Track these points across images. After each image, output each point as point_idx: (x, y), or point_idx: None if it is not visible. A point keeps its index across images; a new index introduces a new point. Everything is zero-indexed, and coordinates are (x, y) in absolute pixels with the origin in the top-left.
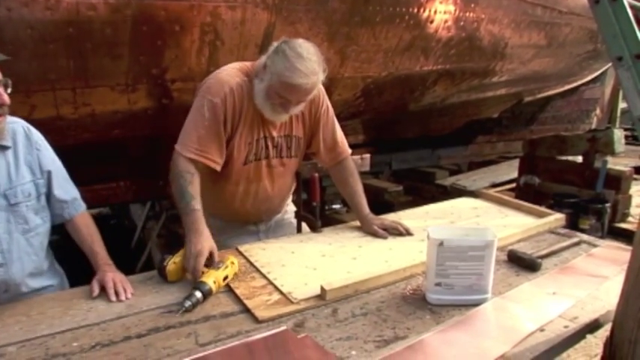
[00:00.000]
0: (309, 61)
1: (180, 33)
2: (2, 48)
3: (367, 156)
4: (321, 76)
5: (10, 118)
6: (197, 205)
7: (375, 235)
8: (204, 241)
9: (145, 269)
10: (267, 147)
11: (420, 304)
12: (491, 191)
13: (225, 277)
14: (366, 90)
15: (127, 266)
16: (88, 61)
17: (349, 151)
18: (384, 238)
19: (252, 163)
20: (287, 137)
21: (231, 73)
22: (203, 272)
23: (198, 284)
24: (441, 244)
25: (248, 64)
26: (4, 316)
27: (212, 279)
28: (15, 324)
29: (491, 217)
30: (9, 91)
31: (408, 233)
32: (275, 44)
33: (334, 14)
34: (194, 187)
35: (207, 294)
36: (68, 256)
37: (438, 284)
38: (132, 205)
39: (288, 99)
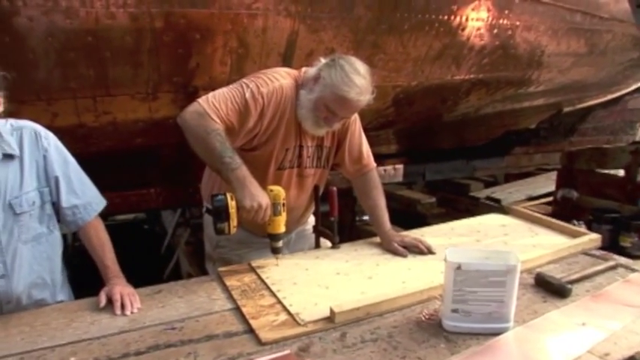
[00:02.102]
0: (365, 79)
1: (202, 41)
2: (24, 56)
3: (400, 166)
4: (371, 96)
5: (17, 123)
6: (239, 159)
7: (394, 252)
8: (262, 191)
9: (173, 276)
10: (300, 155)
11: (435, 330)
12: (528, 205)
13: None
14: (396, 99)
15: (155, 272)
16: (108, 69)
17: (374, 164)
18: (404, 256)
19: (286, 170)
20: (318, 147)
21: (283, 74)
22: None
23: (276, 235)
24: (459, 267)
25: (295, 71)
26: (9, 326)
27: (283, 225)
28: (18, 334)
29: (520, 235)
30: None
31: (430, 252)
32: (323, 59)
33: (360, 22)
34: (230, 144)
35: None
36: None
37: (454, 310)
38: (164, 212)
39: (335, 113)
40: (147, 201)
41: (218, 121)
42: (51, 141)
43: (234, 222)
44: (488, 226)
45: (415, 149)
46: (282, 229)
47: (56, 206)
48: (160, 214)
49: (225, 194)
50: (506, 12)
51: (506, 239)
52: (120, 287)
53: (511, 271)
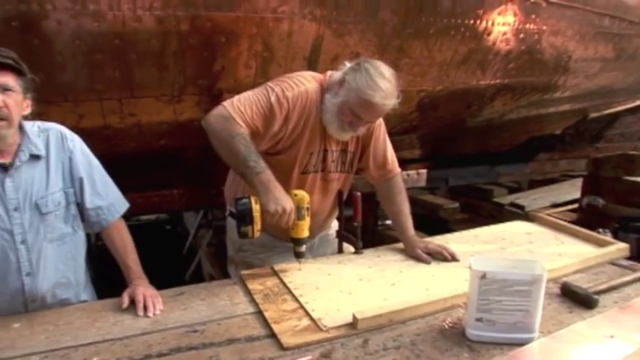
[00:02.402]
0: (390, 84)
1: (227, 44)
2: (52, 58)
3: (423, 171)
4: (396, 100)
5: (44, 125)
6: (264, 163)
7: (418, 259)
8: (286, 195)
9: (194, 277)
10: (324, 160)
11: (458, 339)
12: (552, 212)
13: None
14: (421, 104)
15: (177, 272)
16: (134, 71)
17: (399, 169)
18: (427, 263)
19: (310, 175)
20: (343, 152)
21: (308, 78)
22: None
23: (300, 240)
24: (484, 276)
25: (320, 75)
26: (34, 324)
27: (307, 229)
28: (42, 333)
29: (546, 243)
30: (10, 95)
31: (454, 259)
32: (348, 62)
33: (385, 26)
34: (254, 148)
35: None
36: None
37: (478, 319)
38: (186, 213)
39: (360, 117)
40: (169, 202)
41: (243, 124)
42: (76, 143)
43: (257, 226)
44: (513, 234)
45: (438, 154)
46: (306, 233)
47: (80, 207)
48: (182, 215)
49: (249, 198)
50: (533, 16)
51: (531, 247)
52: (143, 289)
53: (537, 281)
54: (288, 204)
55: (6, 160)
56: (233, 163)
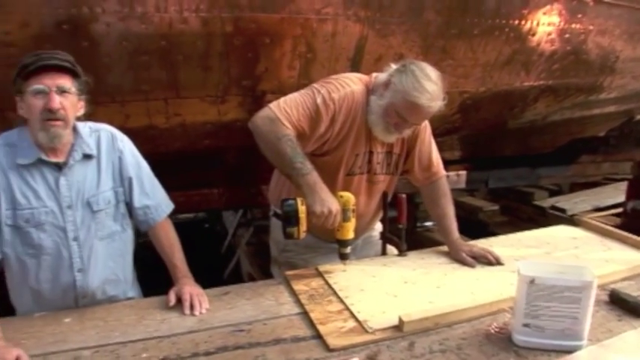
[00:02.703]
0: (437, 86)
1: (271, 45)
2: (100, 60)
3: (463, 173)
4: (440, 103)
5: (95, 125)
6: (310, 164)
7: (462, 262)
8: (332, 197)
9: (233, 276)
10: (370, 161)
11: (505, 344)
12: (595, 216)
13: None
14: (463, 106)
15: (215, 271)
16: (180, 72)
17: (444, 172)
18: (472, 266)
19: (356, 176)
20: (388, 154)
21: (354, 79)
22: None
23: (345, 241)
24: (532, 281)
25: (366, 76)
26: (84, 319)
27: (352, 231)
28: (92, 328)
29: (592, 249)
30: (69, 98)
31: (498, 263)
32: (394, 64)
33: (429, 26)
34: (301, 150)
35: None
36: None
37: (526, 325)
38: (225, 212)
39: (405, 119)
40: (209, 201)
41: (289, 126)
42: (126, 144)
43: (303, 227)
44: (558, 239)
45: (479, 156)
46: (351, 235)
47: (129, 206)
48: (220, 214)
49: (295, 199)
50: (580, 16)
51: (577, 252)
52: (189, 287)
53: (587, 288)
54: (334, 205)
55: (60, 160)
56: (279, 164)
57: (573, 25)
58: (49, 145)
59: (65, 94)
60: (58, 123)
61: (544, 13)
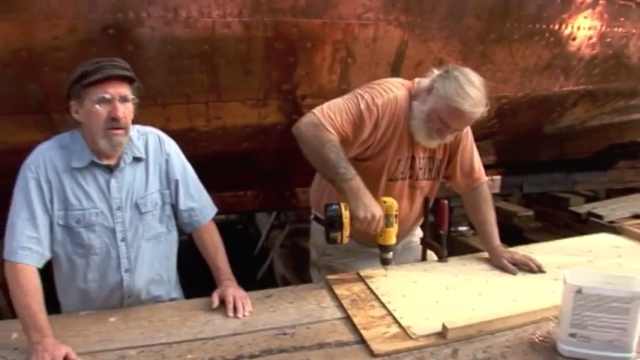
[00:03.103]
0: (480, 91)
1: (312, 50)
2: (144, 63)
3: (497, 177)
4: (483, 109)
5: (143, 129)
6: (353, 170)
7: (503, 269)
8: (375, 202)
9: (266, 278)
10: (412, 167)
11: (549, 354)
12: (633, 223)
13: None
14: (500, 111)
15: (248, 273)
16: (221, 76)
17: (485, 178)
18: (514, 274)
19: (398, 182)
20: (430, 159)
21: (397, 84)
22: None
23: (387, 247)
24: (579, 291)
25: (408, 82)
26: (128, 319)
27: (394, 237)
28: (137, 328)
29: (636, 258)
30: (130, 107)
31: (540, 270)
32: (436, 70)
33: (469, 32)
34: (345, 155)
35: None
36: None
37: (572, 335)
38: (257, 213)
39: (448, 125)
40: (243, 203)
41: (333, 131)
42: (172, 147)
43: (347, 232)
44: (600, 247)
45: (514, 161)
46: (394, 240)
47: (174, 208)
48: (253, 215)
49: (339, 204)
50: (622, 19)
51: (620, 262)
52: (232, 290)
53: (636, 299)
54: (378, 211)
55: (112, 162)
56: (323, 169)
57: (615, 29)
58: (110, 153)
59: (126, 103)
60: (120, 131)
61: (585, 17)
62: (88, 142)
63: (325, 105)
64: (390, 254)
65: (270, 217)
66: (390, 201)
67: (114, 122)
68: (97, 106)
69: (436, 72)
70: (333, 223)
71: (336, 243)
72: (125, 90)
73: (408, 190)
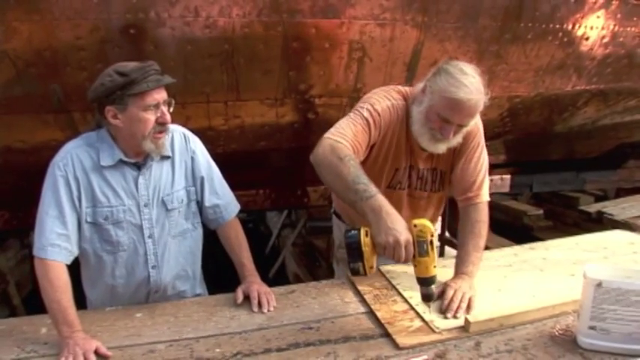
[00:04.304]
0: (474, 78)
1: (330, 50)
2: (165, 63)
3: (507, 177)
4: (484, 97)
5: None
6: (374, 187)
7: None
8: (402, 223)
9: (278, 276)
10: (410, 177)
11: (570, 346)
12: None
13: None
14: (513, 110)
15: (259, 272)
16: (241, 75)
17: (484, 199)
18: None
19: (396, 191)
20: (433, 170)
21: (393, 93)
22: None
23: (425, 279)
24: (600, 284)
25: (406, 88)
26: (155, 315)
27: (433, 266)
28: (164, 324)
29: None
30: (171, 109)
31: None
32: (432, 70)
33: (484, 32)
34: (363, 171)
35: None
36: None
37: (592, 327)
38: (268, 212)
39: (448, 120)
40: (255, 201)
41: (348, 145)
42: (197, 144)
43: (370, 262)
44: (615, 243)
45: (523, 160)
46: (432, 272)
47: (199, 205)
48: (264, 214)
49: (359, 229)
50: (635, 19)
51: (636, 258)
52: (257, 285)
53: None
54: (403, 235)
55: (139, 160)
56: (342, 188)
57: (628, 29)
58: (155, 154)
59: (167, 106)
60: (163, 134)
61: (598, 17)
62: (120, 141)
63: (332, 128)
64: (432, 287)
65: (280, 215)
66: (422, 224)
67: (162, 127)
68: (145, 113)
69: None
70: (352, 252)
71: (359, 274)
72: (165, 93)
73: (407, 199)
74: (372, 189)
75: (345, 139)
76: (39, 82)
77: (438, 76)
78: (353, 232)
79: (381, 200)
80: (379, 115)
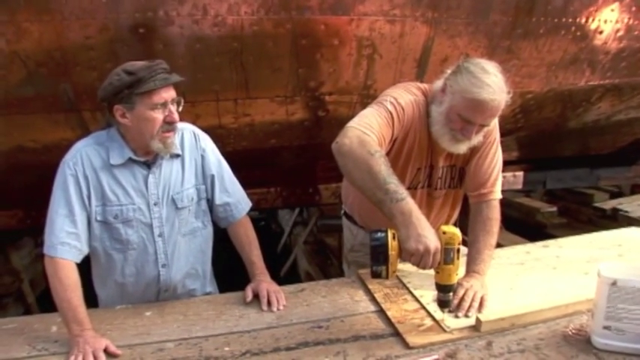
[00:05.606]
0: (497, 77)
1: (339, 47)
2: (174, 61)
3: (520, 173)
4: (506, 96)
5: (178, 124)
6: (405, 190)
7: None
8: (432, 231)
9: (290, 274)
10: (430, 176)
11: (583, 346)
12: None
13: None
14: (525, 106)
15: (271, 270)
16: (250, 73)
17: (496, 196)
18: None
19: (415, 190)
20: (451, 167)
21: (413, 89)
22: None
23: (445, 287)
24: (614, 283)
25: (424, 85)
26: (164, 313)
27: (455, 274)
28: (173, 322)
29: None
30: (180, 109)
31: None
32: (449, 69)
33: (495, 27)
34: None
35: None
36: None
37: (606, 327)
38: (280, 210)
39: (470, 121)
40: (267, 200)
41: (375, 138)
42: (207, 142)
43: (394, 266)
44: (630, 241)
45: (536, 156)
46: (454, 280)
47: (210, 203)
48: (276, 212)
49: (386, 231)
50: None
51: None
52: (266, 284)
53: None
54: (433, 243)
55: (149, 158)
56: (370, 185)
57: None
58: (163, 153)
59: (176, 105)
60: (172, 133)
61: (612, 10)
62: (129, 140)
63: (356, 117)
64: (450, 295)
65: (292, 213)
66: (451, 231)
67: (169, 126)
68: (153, 112)
69: (449, 71)
70: (377, 255)
71: (380, 278)
72: (174, 92)
73: (426, 199)
74: (403, 191)
75: (372, 131)
76: (49, 82)
77: (458, 75)
78: (380, 234)
79: (412, 204)
80: (403, 109)
